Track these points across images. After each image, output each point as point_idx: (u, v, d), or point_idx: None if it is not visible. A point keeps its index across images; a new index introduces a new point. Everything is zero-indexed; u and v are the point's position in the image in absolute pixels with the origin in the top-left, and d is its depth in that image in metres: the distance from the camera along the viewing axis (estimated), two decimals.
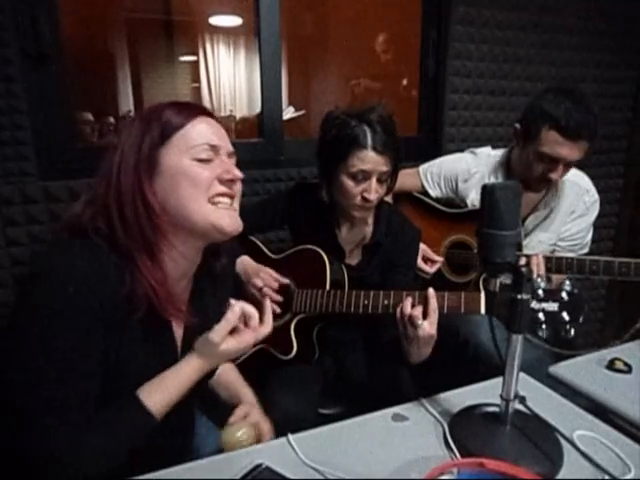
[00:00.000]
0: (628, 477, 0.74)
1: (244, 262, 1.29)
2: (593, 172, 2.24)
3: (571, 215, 1.56)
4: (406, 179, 1.68)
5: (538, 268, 1.32)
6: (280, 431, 0.92)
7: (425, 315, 0.96)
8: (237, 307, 0.79)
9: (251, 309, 0.82)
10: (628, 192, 2.40)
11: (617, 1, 2.11)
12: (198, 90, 4.53)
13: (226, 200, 0.80)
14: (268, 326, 0.83)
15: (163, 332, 0.83)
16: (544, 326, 0.79)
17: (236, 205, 0.83)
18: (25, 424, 0.68)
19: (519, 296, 0.75)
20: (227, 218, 0.79)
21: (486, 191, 0.76)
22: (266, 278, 1.24)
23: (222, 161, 0.80)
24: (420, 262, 1.44)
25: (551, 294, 0.79)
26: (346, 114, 1.19)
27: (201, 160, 0.77)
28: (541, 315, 0.79)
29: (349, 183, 1.18)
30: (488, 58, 1.95)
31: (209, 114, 0.82)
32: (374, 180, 1.16)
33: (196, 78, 4.51)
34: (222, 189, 0.79)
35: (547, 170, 1.39)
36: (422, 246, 1.45)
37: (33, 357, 0.68)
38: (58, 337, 0.68)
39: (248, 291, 1.25)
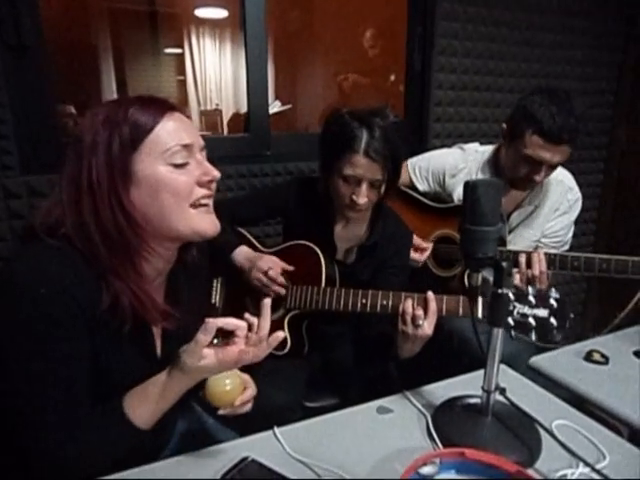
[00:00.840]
0: (603, 464, 0.77)
1: (243, 251, 1.28)
2: (574, 167, 2.28)
3: (555, 212, 1.59)
4: None
5: (540, 265, 1.34)
6: (266, 423, 0.93)
7: (425, 316, 1.01)
8: (209, 324, 0.71)
9: (232, 321, 0.74)
10: (608, 187, 2.45)
11: (597, 1, 2.14)
12: (183, 83, 4.48)
13: (206, 201, 0.79)
14: (263, 330, 0.75)
15: (142, 332, 0.81)
16: (534, 331, 0.83)
17: (212, 202, 0.81)
18: (16, 425, 0.69)
19: (499, 290, 0.78)
20: (209, 222, 0.79)
21: (468, 188, 0.78)
22: (271, 261, 1.24)
23: (198, 162, 0.78)
24: (411, 252, 1.45)
25: (541, 301, 0.83)
26: (350, 114, 1.18)
27: (177, 165, 0.75)
28: (532, 320, 0.83)
29: (340, 183, 1.19)
30: (473, 54, 1.97)
31: (175, 108, 0.79)
32: (364, 185, 1.16)
33: (181, 71, 4.46)
34: (203, 192, 0.78)
35: (531, 172, 1.41)
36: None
37: (18, 362, 0.68)
38: (41, 341, 0.68)
39: (253, 278, 1.24)
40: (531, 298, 0.82)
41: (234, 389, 0.82)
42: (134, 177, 0.73)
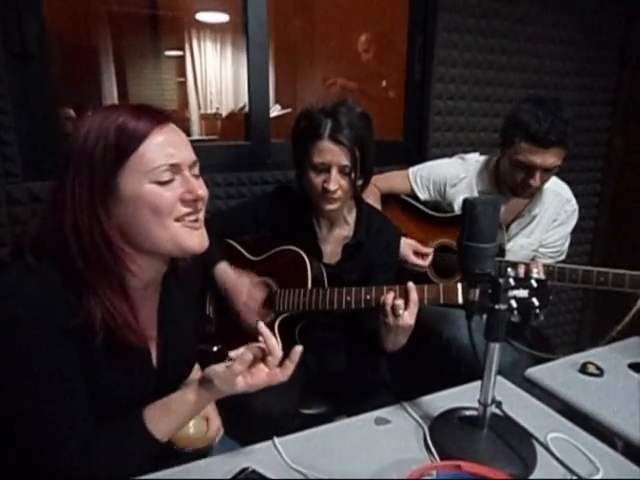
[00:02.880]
0: (596, 477, 0.78)
1: (224, 275, 1.27)
2: (572, 177, 2.32)
3: (553, 223, 1.62)
4: (395, 181, 1.71)
5: (539, 274, 1.35)
6: (260, 430, 0.94)
7: (406, 306, 1.03)
8: (247, 355, 0.74)
9: (256, 346, 0.77)
10: (605, 197, 2.48)
11: (595, 13, 2.17)
12: (184, 85, 4.50)
13: (192, 217, 0.76)
14: (276, 351, 0.77)
15: (136, 347, 0.79)
16: (516, 312, 0.85)
17: (202, 218, 0.78)
18: (25, 442, 0.70)
19: (496, 306, 0.79)
20: (195, 238, 0.76)
21: (467, 205, 0.79)
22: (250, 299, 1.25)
23: (184, 178, 0.74)
24: (413, 258, 1.47)
25: (521, 281, 0.85)
26: (316, 108, 1.23)
27: (161, 183, 0.72)
28: (513, 302, 0.84)
29: (312, 174, 1.22)
30: (472, 65, 1.99)
31: (168, 119, 0.75)
32: (334, 171, 1.19)
33: (182, 73, 4.48)
34: (185, 210, 0.74)
35: (525, 177, 1.44)
36: (411, 242, 1.49)
37: (11, 383, 0.69)
38: (30, 361, 0.68)
39: (233, 307, 1.26)
40: (511, 280, 0.83)
41: (196, 435, 0.88)
42: (116, 192, 0.70)
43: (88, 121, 0.71)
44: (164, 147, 0.72)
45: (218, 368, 0.75)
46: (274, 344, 0.76)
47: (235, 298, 1.25)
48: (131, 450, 0.75)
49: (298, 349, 0.79)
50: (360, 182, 1.27)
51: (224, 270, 1.28)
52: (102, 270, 0.71)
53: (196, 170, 0.78)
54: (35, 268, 0.69)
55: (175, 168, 0.73)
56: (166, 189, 0.72)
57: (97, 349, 0.73)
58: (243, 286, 1.26)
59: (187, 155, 0.76)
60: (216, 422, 0.98)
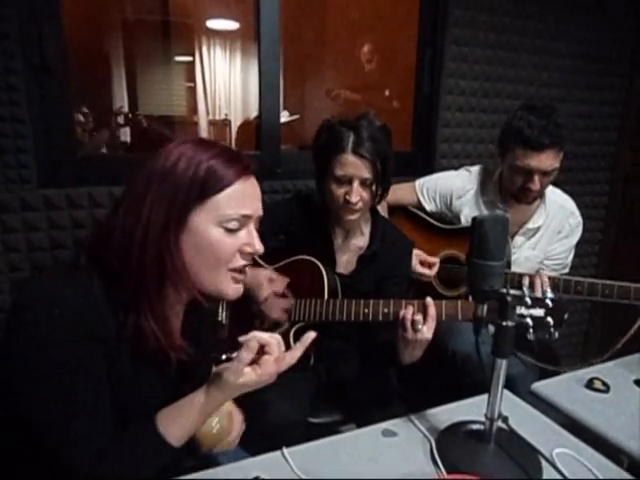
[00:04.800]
0: None
1: None
2: (580, 189, 2.33)
3: (558, 235, 1.63)
4: (402, 193, 1.73)
5: (543, 287, 1.37)
6: (270, 437, 0.95)
7: (424, 321, 1.04)
8: (253, 342, 0.75)
9: (265, 337, 0.78)
10: (612, 209, 2.48)
11: (604, 27, 2.18)
12: (193, 91, 4.54)
13: (242, 276, 0.81)
14: (293, 357, 0.79)
15: (164, 354, 0.82)
16: (531, 330, 0.86)
17: (247, 270, 0.82)
18: (41, 444, 0.71)
19: (504, 323, 0.80)
20: (235, 288, 0.80)
21: (475, 223, 0.81)
22: (271, 287, 1.26)
23: (248, 231, 0.79)
24: (419, 267, 1.48)
25: (537, 301, 0.86)
26: (338, 121, 1.25)
27: (229, 230, 0.76)
28: (529, 320, 0.86)
29: (334, 187, 1.24)
30: (481, 77, 2.01)
31: (251, 170, 0.79)
32: (356, 184, 1.21)
33: (191, 78, 4.52)
34: (242, 263, 0.79)
35: (525, 182, 1.47)
36: (417, 252, 1.50)
37: (35, 383, 0.70)
38: (57, 360, 0.70)
39: (253, 302, 1.26)
40: (527, 299, 0.85)
41: (221, 432, 0.87)
42: (187, 225, 0.74)
43: (181, 148, 0.75)
44: (242, 198, 0.76)
45: (225, 365, 0.77)
46: (263, 335, 0.78)
47: (255, 293, 1.25)
48: (145, 457, 0.76)
49: (311, 334, 0.80)
50: (380, 193, 1.29)
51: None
52: (153, 286, 0.74)
53: (257, 225, 0.82)
54: (82, 273, 0.72)
55: (244, 220, 0.78)
56: (230, 237, 0.77)
57: (124, 358, 0.75)
58: (262, 277, 1.26)
59: (257, 209, 0.80)
60: (239, 416, 0.98)
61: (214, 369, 0.78)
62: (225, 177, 0.74)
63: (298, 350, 0.80)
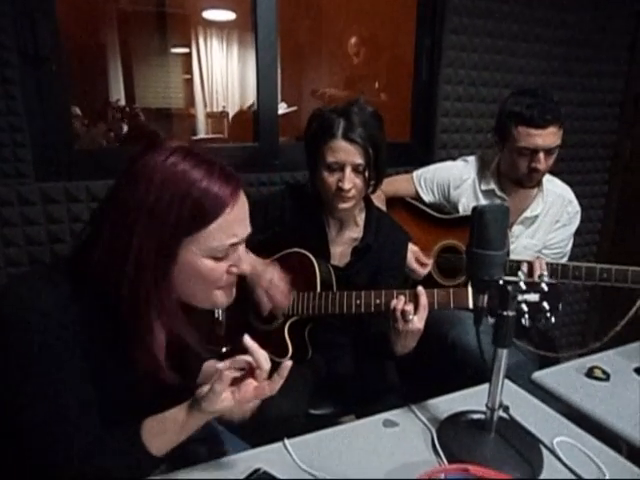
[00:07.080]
0: None
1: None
2: (579, 179, 2.33)
3: (556, 224, 1.64)
4: (400, 184, 1.73)
5: (540, 269, 1.40)
6: (270, 429, 0.95)
7: (415, 311, 1.04)
8: (225, 375, 0.73)
9: (242, 358, 0.77)
10: (612, 198, 2.47)
11: (604, 15, 2.16)
12: (190, 82, 4.50)
13: (231, 288, 0.82)
14: (264, 364, 0.75)
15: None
16: (527, 315, 0.86)
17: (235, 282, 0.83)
18: (27, 442, 0.72)
19: (505, 313, 0.80)
20: (226, 298, 0.82)
21: (476, 213, 0.80)
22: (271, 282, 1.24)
23: (237, 253, 0.78)
24: (414, 264, 1.48)
25: (532, 286, 0.86)
26: (328, 109, 1.24)
27: (217, 258, 0.75)
28: (524, 306, 0.85)
29: (325, 174, 1.23)
30: (479, 66, 1.99)
31: (239, 190, 0.75)
32: (348, 170, 1.20)
33: (188, 70, 4.48)
34: (229, 281, 0.80)
35: (530, 163, 1.48)
36: (414, 248, 1.49)
37: (18, 386, 0.70)
38: (39, 365, 0.70)
39: (255, 293, 1.25)
40: (522, 284, 0.85)
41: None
42: (177, 259, 0.73)
43: (161, 174, 0.69)
44: (231, 226, 0.74)
45: (205, 388, 0.75)
46: (261, 357, 0.75)
47: (258, 278, 1.23)
48: (128, 463, 0.76)
49: (287, 364, 0.77)
50: (373, 181, 1.28)
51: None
52: (144, 301, 0.73)
53: (245, 242, 0.81)
54: (58, 277, 0.72)
55: (233, 247, 0.77)
56: (219, 263, 0.76)
57: (109, 357, 0.75)
58: (262, 264, 1.24)
59: (246, 232, 0.78)
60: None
61: (197, 391, 0.76)
62: (212, 210, 0.71)
63: (277, 383, 0.77)
